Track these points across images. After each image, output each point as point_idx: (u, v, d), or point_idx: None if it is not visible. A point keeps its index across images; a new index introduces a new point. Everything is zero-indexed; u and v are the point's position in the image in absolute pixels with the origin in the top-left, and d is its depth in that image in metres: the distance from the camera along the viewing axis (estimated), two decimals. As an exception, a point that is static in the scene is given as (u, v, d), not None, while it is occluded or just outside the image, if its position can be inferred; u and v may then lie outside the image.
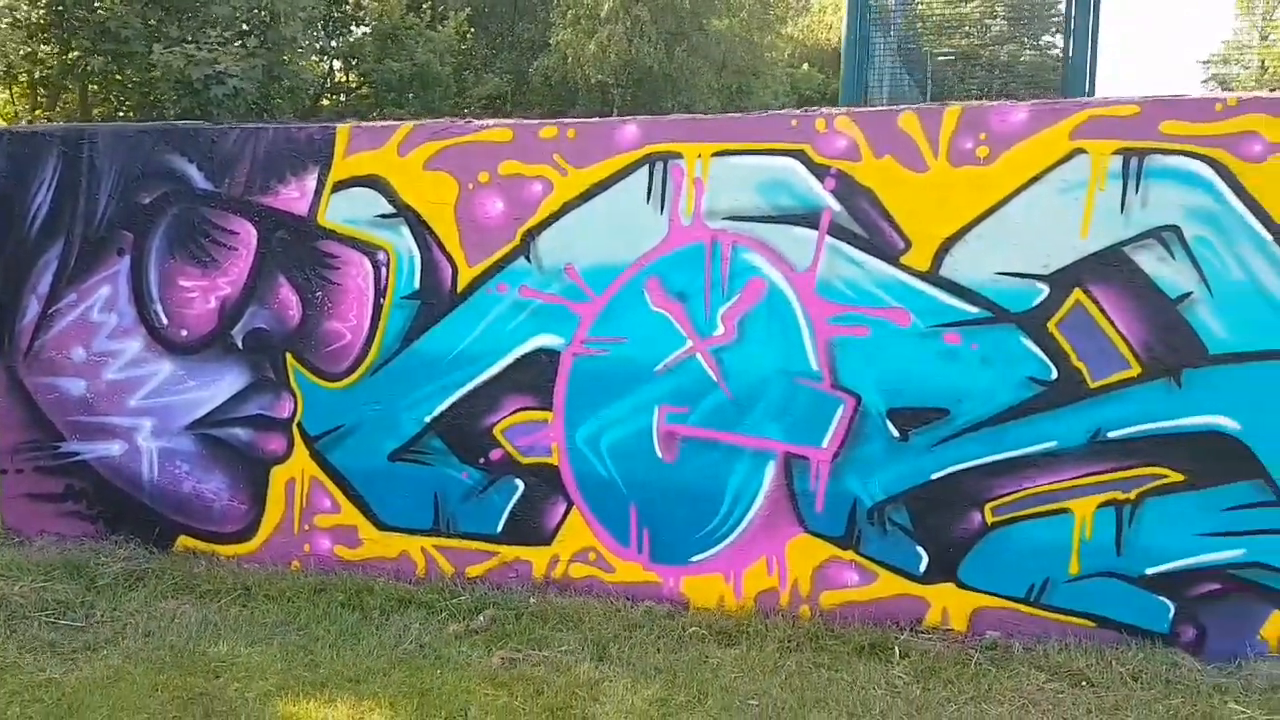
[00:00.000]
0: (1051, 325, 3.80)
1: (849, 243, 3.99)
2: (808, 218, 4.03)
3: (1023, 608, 3.97)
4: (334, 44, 21.43)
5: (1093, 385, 3.79)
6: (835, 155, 3.96)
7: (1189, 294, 3.65)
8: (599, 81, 23.10)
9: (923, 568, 4.07)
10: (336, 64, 22.12)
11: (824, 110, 4.00)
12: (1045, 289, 3.80)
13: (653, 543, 4.40)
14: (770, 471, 4.20)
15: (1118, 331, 3.74)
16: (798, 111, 4.03)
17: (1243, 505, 3.68)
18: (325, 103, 20.68)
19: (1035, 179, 3.75)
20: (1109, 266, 3.72)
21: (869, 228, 3.96)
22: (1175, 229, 3.64)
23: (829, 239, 4.01)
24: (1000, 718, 3.44)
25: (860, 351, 4.04)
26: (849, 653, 3.92)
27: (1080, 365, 3.79)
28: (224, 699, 3.56)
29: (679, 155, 4.15)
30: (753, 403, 4.19)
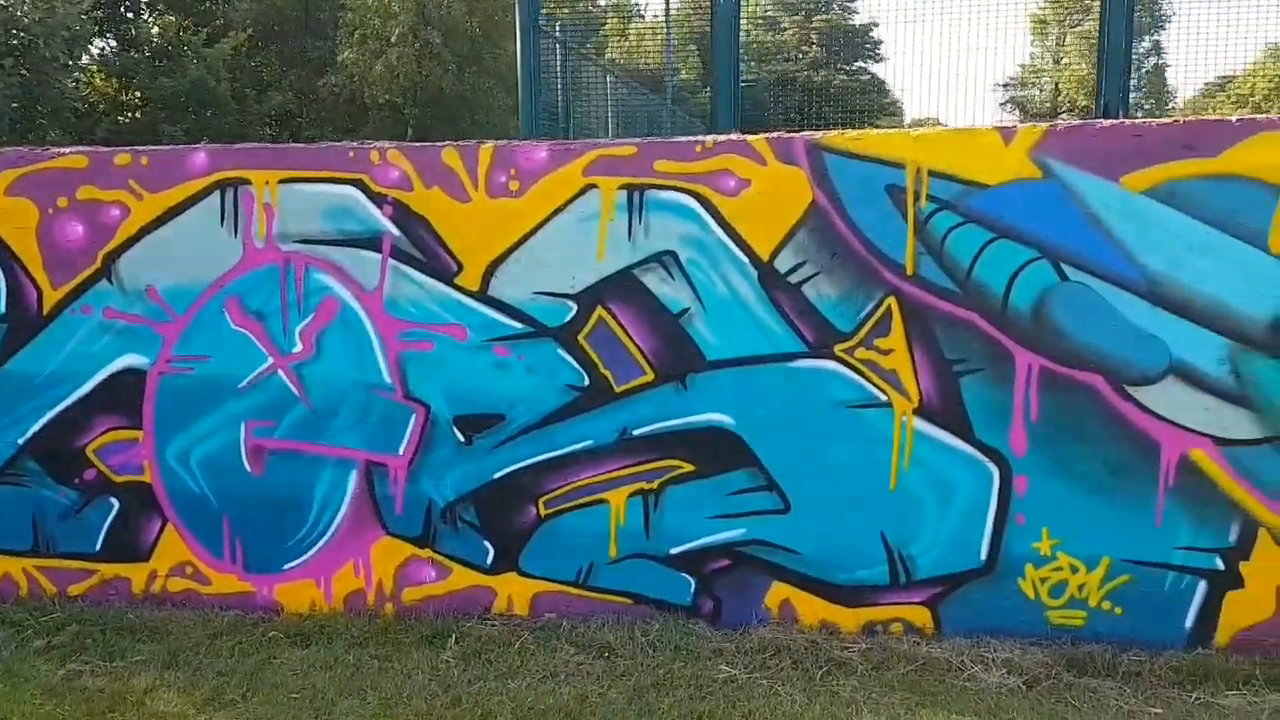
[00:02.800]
0: (581, 338, 4.26)
1: (410, 265, 4.33)
2: (372, 241, 4.34)
3: (573, 590, 4.42)
4: (103, 62, 20.44)
5: (618, 390, 4.28)
6: (390, 185, 4.29)
7: (687, 309, 4.19)
8: (388, 101, 22.97)
9: (490, 560, 4.46)
10: (114, 83, 21.09)
11: (378, 144, 4.33)
12: (574, 306, 4.25)
13: (246, 553, 4.60)
14: (353, 479, 4.49)
15: (634, 343, 4.24)
16: (355, 144, 4.34)
17: (742, 490, 4.25)
18: (103, 122, 19.66)
19: (558, 210, 4.20)
20: (622, 286, 4.22)
21: (425, 251, 4.31)
22: (673, 254, 4.17)
23: (392, 261, 4.34)
24: (520, 690, 3.85)
25: (427, 364, 4.38)
26: (412, 643, 4.25)
27: (607, 373, 4.27)
28: None
29: (248, 182, 4.38)
30: (333, 414, 4.46)
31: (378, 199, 4.31)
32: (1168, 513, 3.92)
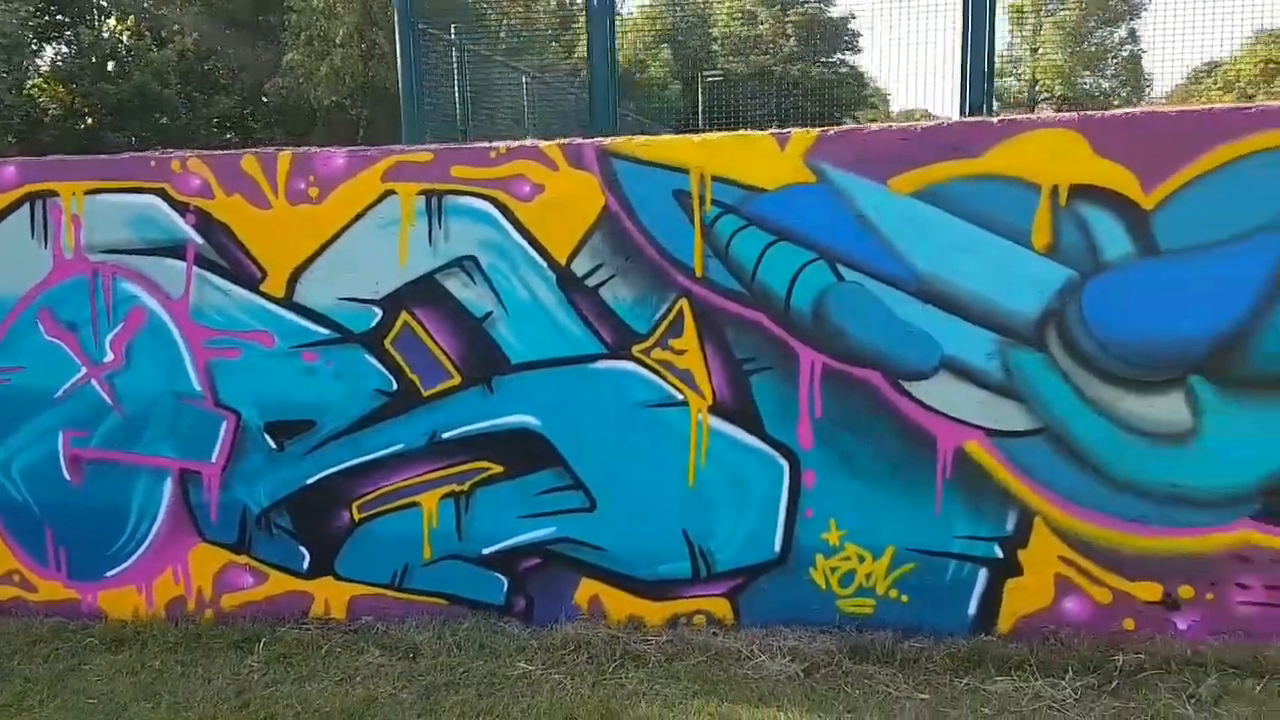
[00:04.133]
0: (388, 343, 4.32)
1: (215, 272, 4.36)
2: (175, 250, 4.37)
3: (389, 593, 4.48)
4: (55, 69, 20.20)
5: (426, 394, 4.34)
6: (192, 193, 4.32)
7: (490, 313, 4.26)
8: (335, 103, 22.83)
9: (306, 565, 4.51)
10: (62, 90, 20.83)
11: (178, 153, 4.35)
12: (380, 312, 4.31)
13: (70, 561, 4.62)
14: (168, 487, 4.52)
15: (439, 347, 4.30)
16: (156, 154, 4.36)
17: (549, 490, 4.33)
18: (51, 129, 19.41)
19: (359, 216, 4.25)
20: (426, 291, 4.28)
21: (229, 259, 4.35)
22: (473, 258, 4.23)
23: (197, 269, 4.37)
24: (312, 693, 3.89)
25: (235, 372, 4.42)
26: (221, 648, 4.29)
27: (414, 377, 4.33)
28: None
29: (55, 194, 4.39)
30: (146, 423, 4.49)
31: (180, 207, 4.34)
32: (947, 503, 4.05)
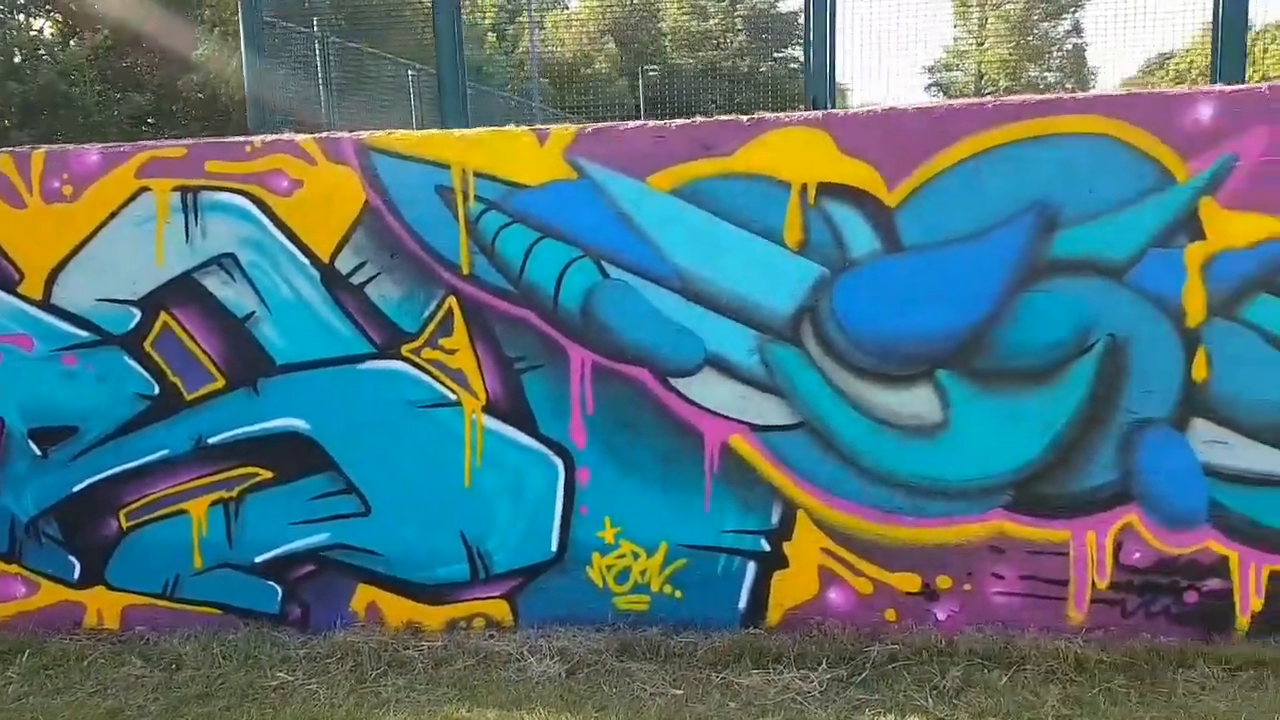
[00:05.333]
0: (148, 345, 4.18)
1: (-32, 274, 4.18)
2: (-75, 251, 4.17)
3: (161, 602, 4.34)
4: None
5: (189, 397, 4.21)
6: (-60, 192, 4.13)
7: (253, 313, 4.14)
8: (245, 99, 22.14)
9: (77, 575, 4.35)
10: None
11: (-78, 149, 4.15)
12: (138, 313, 4.16)
13: None
14: (-72, 497, 4.32)
15: (201, 348, 4.17)
16: (-103, 150, 4.16)
17: (322, 495, 4.24)
18: None
19: (114, 214, 4.10)
20: (185, 291, 4.14)
21: (-18, 260, 4.16)
22: (233, 256, 4.11)
23: (-52, 271, 4.17)
24: (60, 705, 3.76)
25: (-4, 377, 4.24)
26: (-25, 665, 4.12)
27: (177, 380, 4.20)
28: None
29: None
30: (-101, 432, 4.28)
31: (-72, 207, 4.14)
32: (715, 498, 4.06)
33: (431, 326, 4.09)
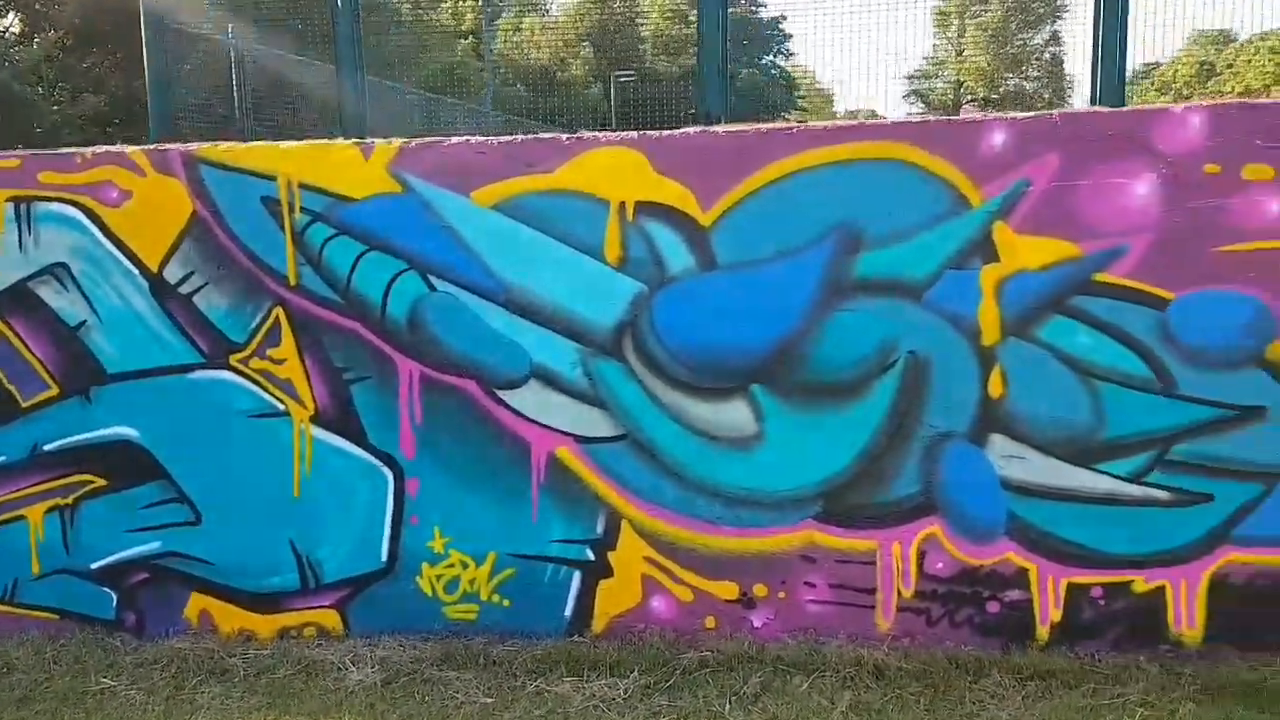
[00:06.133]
0: (-18, 353, 4.19)
1: None
2: None
3: (1, 607, 4.35)
4: None
5: (25, 405, 4.22)
6: None
7: (84, 322, 4.16)
8: (200, 101, 21.95)
9: (-89, 581, 4.35)
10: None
11: None
12: (-27, 321, 4.18)
13: None
14: None
15: (35, 356, 4.19)
16: None
17: (154, 503, 4.27)
18: None
19: (-55, 222, 4.11)
20: (19, 300, 4.17)
21: None
22: (65, 265, 4.13)
23: None
24: (-123, 717, 3.77)
25: None
26: None
27: (12, 387, 4.22)
28: None
29: None
30: None
31: None
32: (542, 508, 4.13)
33: (259, 337, 4.13)
